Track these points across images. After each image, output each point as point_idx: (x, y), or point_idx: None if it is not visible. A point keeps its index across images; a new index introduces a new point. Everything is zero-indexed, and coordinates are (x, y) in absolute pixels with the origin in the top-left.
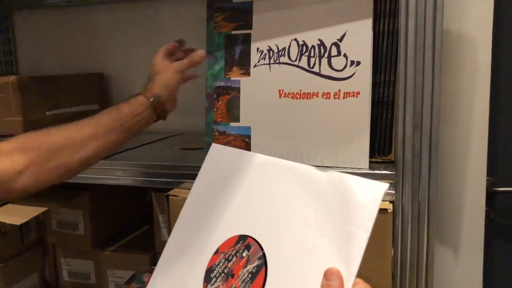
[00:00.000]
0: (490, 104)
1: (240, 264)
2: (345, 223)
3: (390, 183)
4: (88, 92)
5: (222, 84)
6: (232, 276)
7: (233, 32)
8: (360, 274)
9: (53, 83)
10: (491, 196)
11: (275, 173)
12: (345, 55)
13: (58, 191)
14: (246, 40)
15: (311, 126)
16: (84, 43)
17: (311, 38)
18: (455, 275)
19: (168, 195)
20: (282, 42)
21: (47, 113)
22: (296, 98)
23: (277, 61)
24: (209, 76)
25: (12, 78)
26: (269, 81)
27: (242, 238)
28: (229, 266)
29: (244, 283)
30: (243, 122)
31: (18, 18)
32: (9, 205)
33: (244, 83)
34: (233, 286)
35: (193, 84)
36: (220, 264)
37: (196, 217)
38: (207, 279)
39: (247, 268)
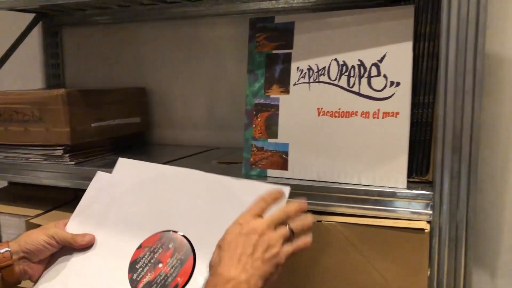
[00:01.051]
0: None
1: (167, 254)
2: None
3: (428, 203)
4: (131, 106)
5: (261, 101)
6: (160, 263)
7: (274, 52)
8: None
9: (98, 96)
10: None
11: (183, 178)
12: (385, 76)
13: None
14: (287, 59)
15: (349, 144)
16: (127, 59)
17: (351, 58)
18: None
19: None
20: (322, 62)
21: (93, 125)
22: (335, 116)
23: (317, 80)
24: (249, 93)
25: (62, 91)
26: (308, 99)
27: (166, 233)
28: (155, 256)
29: (173, 268)
30: (281, 138)
31: (66, 34)
32: (54, 211)
33: (283, 100)
34: (162, 271)
35: (231, 100)
36: (146, 256)
37: (111, 222)
38: (132, 270)
39: (175, 256)
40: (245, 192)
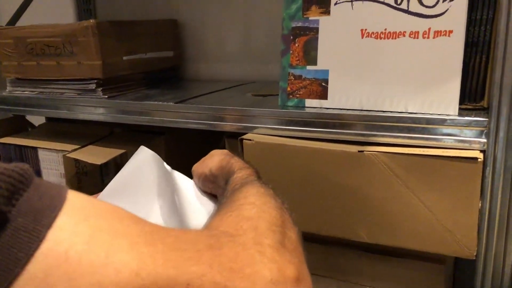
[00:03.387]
0: None
1: None
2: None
3: (482, 131)
4: (163, 39)
5: (299, 24)
6: None
7: None
8: (443, 226)
9: (129, 28)
10: None
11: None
12: None
13: (135, 136)
14: None
15: (395, 68)
16: None
17: None
18: None
19: (242, 139)
20: None
21: (124, 58)
22: (380, 38)
23: None
24: (285, 16)
25: (91, 21)
26: (350, 20)
27: None
28: None
29: None
30: (321, 65)
31: None
32: (90, 146)
33: (323, 23)
34: None
35: (268, 31)
36: None
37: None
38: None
39: None
40: None
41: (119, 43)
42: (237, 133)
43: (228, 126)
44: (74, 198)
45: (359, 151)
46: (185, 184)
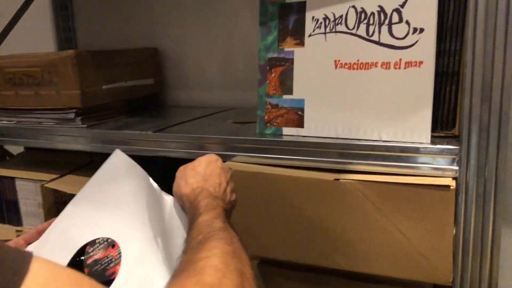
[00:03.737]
0: None
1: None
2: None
3: (454, 159)
4: (143, 67)
5: (275, 55)
6: (113, 246)
7: (287, 1)
8: (419, 252)
9: (109, 57)
10: None
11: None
12: (407, 22)
13: None
14: (301, 9)
15: (368, 98)
16: (140, 19)
17: (370, 4)
18: None
19: None
20: (339, 9)
21: (104, 86)
22: (353, 68)
23: (333, 30)
24: (261, 47)
25: (70, 52)
26: (324, 51)
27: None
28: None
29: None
30: (297, 94)
31: None
32: (70, 175)
33: (298, 54)
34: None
35: (246, 58)
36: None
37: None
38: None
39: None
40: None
41: (99, 72)
42: None
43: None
44: (37, 270)
45: (335, 179)
46: (159, 195)
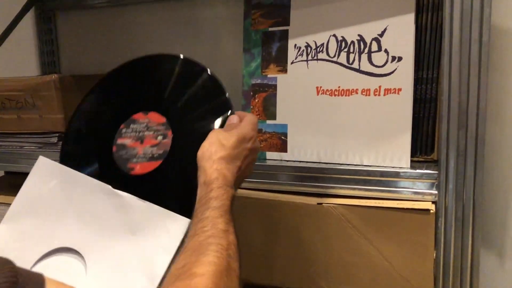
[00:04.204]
0: None
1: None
2: (153, 245)
3: (433, 183)
4: None
5: (258, 81)
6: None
7: (270, 29)
8: (401, 275)
9: (93, 81)
10: None
11: (98, 195)
12: (386, 51)
13: None
14: (284, 37)
15: (350, 123)
16: (123, 42)
17: (350, 33)
18: (501, 280)
19: None
20: (321, 38)
21: None
22: (335, 95)
23: (315, 58)
24: (245, 73)
25: (54, 76)
26: (306, 78)
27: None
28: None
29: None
30: (280, 119)
31: (60, 19)
32: None
33: (281, 80)
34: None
35: (229, 82)
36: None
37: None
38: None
39: None
40: (142, 215)
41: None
42: None
43: None
44: None
45: (318, 203)
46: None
